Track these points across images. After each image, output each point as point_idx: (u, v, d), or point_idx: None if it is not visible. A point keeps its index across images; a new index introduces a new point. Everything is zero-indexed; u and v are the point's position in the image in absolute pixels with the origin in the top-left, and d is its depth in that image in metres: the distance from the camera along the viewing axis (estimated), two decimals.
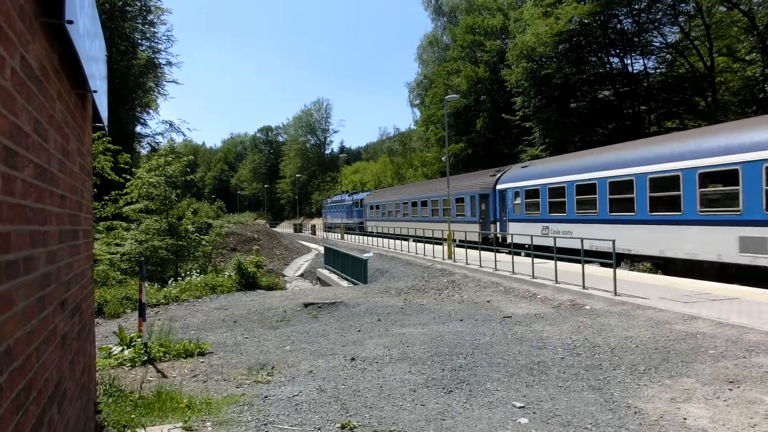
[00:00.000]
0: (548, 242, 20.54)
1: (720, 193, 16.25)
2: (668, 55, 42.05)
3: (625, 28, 41.82)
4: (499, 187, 30.31)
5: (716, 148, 16.46)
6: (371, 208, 56.18)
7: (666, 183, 18.08)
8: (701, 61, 37.79)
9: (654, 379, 7.57)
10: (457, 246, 27.89)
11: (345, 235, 53.39)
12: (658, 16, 40.25)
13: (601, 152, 24.02)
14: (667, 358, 8.58)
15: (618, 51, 43.25)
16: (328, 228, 72.89)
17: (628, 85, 42.55)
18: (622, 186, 20.23)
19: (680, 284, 15.57)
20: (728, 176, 15.74)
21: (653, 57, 43.04)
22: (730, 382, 7.27)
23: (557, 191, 24.40)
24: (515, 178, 28.82)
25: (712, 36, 36.69)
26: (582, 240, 16.77)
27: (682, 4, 38.20)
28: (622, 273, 17.36)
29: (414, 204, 43.59)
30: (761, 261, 14.63)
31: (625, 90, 42.86)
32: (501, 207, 30.12)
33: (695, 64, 38.49)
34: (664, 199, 18.16)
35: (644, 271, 17.07)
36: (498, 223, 30.26)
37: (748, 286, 14.62)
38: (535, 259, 18.41)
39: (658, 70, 42.94)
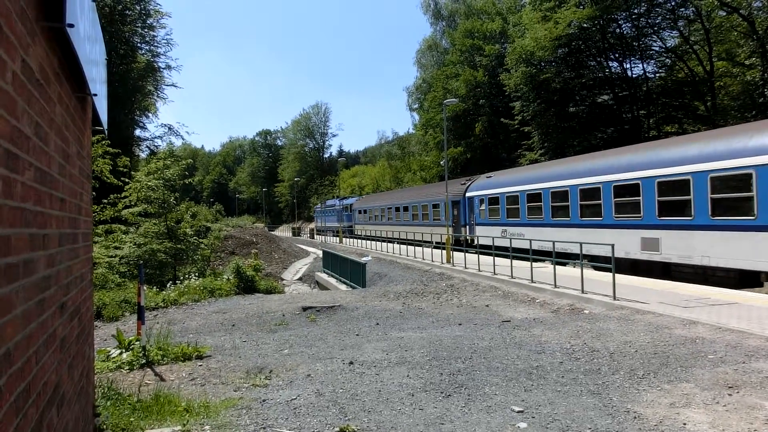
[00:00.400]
0: (506, 243, 23.49)
1: (629, 202, 19.63)
2: (668, 60, 42.06)
3: (625, 32, 41.83)
4: (468, 194, 34.06)
5: (626, 165, 20.12)
6: (359, 212, 59.93)
7: (592, 193, 22.00)
8: (701, 65, 37.79)
9: (653, 384, 7.55)
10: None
11: (343, 240, 53.48)
12: (657, 21, 40.28)
13: (546, 166, 28.49)
14: (666, 362, 8.56)
15: (617, 55, 43.31)
16: (320, 231, 76.14)
17: (627, 90, 42.54)
18: (560, 195, 24.09)
19: (680, 289, 15.57)
20: (634, 188, 19.40)
21: (652, 61, 43.09)
22: (730, 387, 7.25)
23: (513, 199, 28.17)
24: (481, 187, 32.64)
25: (712, 40, 36.70)
26: (530, 241, 20.32)
27: (682, 9, 38.23)
28: (621, 277, 17.38)
29: (397, 209, 47.08)
30: (655, 257, 18.53)
31: (624, 94, 42.84)
32: (469, 212, 34.05)
33: (695, 68, 38.49)
34: (590, 206, 22.09)
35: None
36: (467, 227, 34.00)
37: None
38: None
39: (658, 75, 42.95)
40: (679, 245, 17.48)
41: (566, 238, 21.36)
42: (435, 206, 38.87)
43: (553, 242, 18.35)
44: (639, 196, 18.93)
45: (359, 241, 48.86)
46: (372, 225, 52.56)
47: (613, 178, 20.56)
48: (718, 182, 16.09)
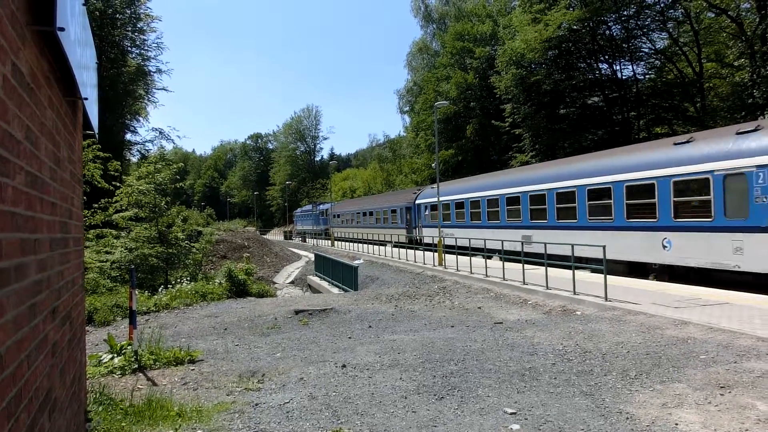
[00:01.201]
0: (448, 241, 29.16)
1: (601, 204, 21.02)
2: (657, 61, 42.23)
3: (614, 34, 42.02)
4: (417, 202, 41.24)
5: (596, 170, 21.53)
6: (334, 216, 66.59)
7: (494, 202, 28.83)
8: (690, 66, 37.99)
9: (645, 385, 7.58)
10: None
11: (335, 243, 53.54)
12: (646, 22, 40.46)
13: (470, 180, 35.50)
14: (658, 363, 8.59)
15: (607, 57, 43.46)
16: (299, 234, 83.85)
17: (617, 91, 42.68)
18: (476, 204, 31.05)
19: (671, 289, 15.66)
20: (606, 192, 20.82)
21: (642, 63, 43.26)
22: (722, 387, 7.28)
23: (446, 206, 34.85)
24: (426, 196, 39.63)
25: (701, 42, 36.91)
26: (456, 237, 27.57)
27: (671, 11, 38.43)
28: (612, 279, 17.44)
29: (364, 214, 53.78)
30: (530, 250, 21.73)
31: (614, 96, 42.97)
32: (418, 217, 41.02)
33: (684, 69, 38.68)
34: (493, 212, 29.05)
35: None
36: (417, 229, 40.78)
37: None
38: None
39: (647, 76, 43.10)
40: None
41: (480, 236, 27.35)
42: (393, 211, 46.10)
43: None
44: (611, 199, 20.59)
45: (351, 244, 49.08)
46: (344, 228, 59.69)
47: (505, 192, 27.79)
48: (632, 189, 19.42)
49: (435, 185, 35.92)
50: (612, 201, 20.16)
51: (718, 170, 16.02)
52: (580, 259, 18.20)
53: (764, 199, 14.71)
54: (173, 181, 28.73)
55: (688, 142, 17.82)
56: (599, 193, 20.92)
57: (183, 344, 11.52)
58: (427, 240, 35.11)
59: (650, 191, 18.46)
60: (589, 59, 44.20)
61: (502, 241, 21.67)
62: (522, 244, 19.98)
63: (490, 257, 24.24)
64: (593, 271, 18.27)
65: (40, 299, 3.34)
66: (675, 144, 18.38)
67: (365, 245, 42.39)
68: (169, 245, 26.26)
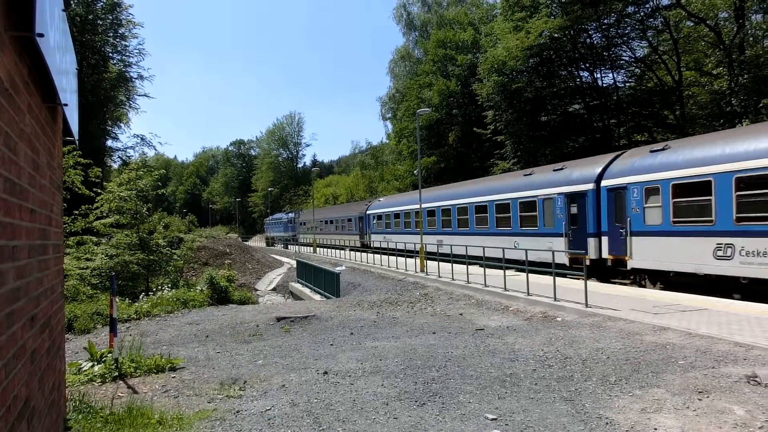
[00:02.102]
0: (389, 245, 37.17)
1: (482, 217, 29.19)
2: (637, 69, 42.52)
3: (595, 42, 42.27)
4: (367, 212, 48.76)
5: (526, 186, 26.18)
6: (301, 224, 73.96)
7: (415, 214, 37.16)
8: (669, 75, 38.29)
9: (625, 390, 7.65)
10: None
11: (317, 249, 53.50)
12: (626, 31, 40.75)
13: (404, 195, 45.33)
14: (637, 369, 8.68)
15: (588, 65, 43.75)
16: (269, 240, 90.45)
17: (597, 99, 42.96)
18: (405, 214, 40.05)
19: (651, 296, 15.83)
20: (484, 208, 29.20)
21: (622, 71, 43.54)
22: (700, 392, 7.38)
23: (387, 216, 43.62)
24: (374, 208, 47.62)
25: (680, 50, 37.25)
26: (396, 242, 36.94)
27: (651, 19, 38.77)
28: (593, 285, 17.61)
29: (326, 222, 61.05)
30: (441, 249, 28.10)
31: (595, 103, 43.23)
32: (367, 225, 48.88)
33: (663, 78, 39.00)
34: (415, 222, 37.27)
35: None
36: (367, 235, 48.12)
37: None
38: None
39: (628, 84, 43.38)
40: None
41: (410, 240, 35.85)
42: (349, 220, 54.31)
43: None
44: (435, 216, 34.51)
45: (333, 251, 49.34)
46: (309, 234, 65.70)
47: (424, 206, 34.08)
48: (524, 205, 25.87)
49: (383, 198, 45.83)
50: (488, 215, 28.59)
51: (540, 196, 24.49)
52: (472, 257, 23.47)
53: (560, 216, 23.01)
54: (155, 187, 28.53)
55: (530, 174, 26.58)
56: (482, 209, 29.33)
57: (164, 352, 11.45)
58: (375, 244, 41.62)
59: (508, 209, 26.81)
60: (570, 67, 44.49)
61: (426, 244, 29.54)
62: (437, 246, 28.68)
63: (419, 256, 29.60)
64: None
65: (18, 307, 3.32)
66: (524, 175, 27.00)
67: (345, 252, 45.97)
68: (150, 252, 26.07)
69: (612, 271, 20.68)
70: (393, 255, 33.36)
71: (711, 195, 15.93)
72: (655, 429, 6.21)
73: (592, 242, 21.18)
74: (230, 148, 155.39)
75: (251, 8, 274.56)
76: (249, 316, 17.34)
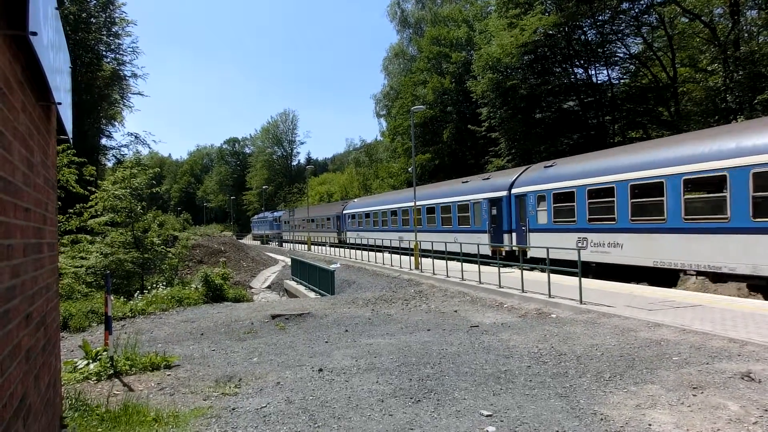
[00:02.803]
0: (362, 241, 40.74)
1: (431, 216, 35.25)
2: (632, 66, 42.61)
3: (590, 39, 42.33)
4: (344, 212, 54.30)
5: (463, 191, 31.51)
6: (285, 222, 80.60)
7: (390, 213, 42.35)
8: (664, 71, 38.33)
9: (619, 386, 7.67)
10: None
11: (311, 247, 53.49)
12: (621, 28, 40.82)
13: (384, 196, 50.51)
14: (632, 365, 8.70)
15: (582, 62, 43.76)
16: (255, 238, 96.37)
17: (592, 96, 42.98)
18: (381, 213, 44.16)
19: (645, 292, 15.87)
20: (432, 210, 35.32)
21: (617, 68, 43.66)
22: (694, 388, 7.40)
23: (361, 215, 49.17)
24: (349, 208, 52.96)
25: (675, 47, 37.33)
26: (367, 238, 39.18)
27: (645, 16, 38.81)
28: (588, 282, 17.66)
29: (308, 220, 65.96)
30: (403, 244, 33.09)
31: (589, 100, 43.26)
32: (344, 223, 54.82)
33: (658, 74, 39.04)
34: (389, 220, 42.46)
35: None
36: (344, 232, 53.41)
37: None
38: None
39: (622, 81, 43.48)
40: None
41: (378, 236, 38.74)
42: (328, 219, 60.84)
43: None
44: (396, 216, 40.79)
45: (328, 248, 49.26)
46: (294, 232, 72.62)
47: (387, 208, 42.80)
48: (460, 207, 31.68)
49: (359, 199, 52.10)
50: (435, 215, 34.27)
51: (471, 200, 29.88)
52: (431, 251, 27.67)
53: (484, 216, 28.11)
54: (149, 185, 28.44)
55: (467, 182, 32.01)
56: (431, 210, 34.98)
57: (159, 350, 11.45)
58: (350, 240, 47.30)
59: (449, 210, 32.37)
60: (565, 64, 44.48)
61: (391, 240, 35.82)
62: (399, 241, 34.64)
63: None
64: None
65: (13, 305, 3.33)
66: (462, 182, 32.54)
67: (338, 249, 47.99)
68: (144, 250, 26.04)
69: (516, 258, 24.33)
70: (365, 250, 37.12)
71: (574, 202, 21.43)
72: (650, 425, 6.22)
73: (506, 237, 26.51)
74: (224, 146, 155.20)
75: (245, 6, 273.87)
76: (244, 313, 17.34)
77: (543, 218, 23.37)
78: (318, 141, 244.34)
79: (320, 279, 27.54)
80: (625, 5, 38.76)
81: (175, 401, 7.86)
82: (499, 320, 13.69)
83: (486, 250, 26.14)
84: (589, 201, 20.63)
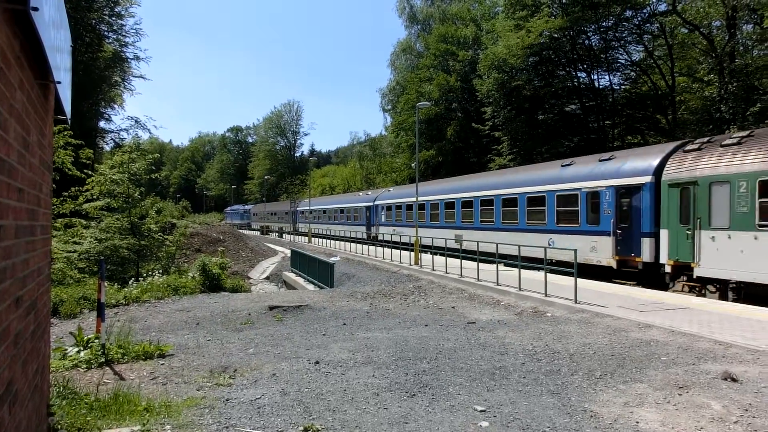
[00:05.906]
0: (400, 238, 35.86)
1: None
2: (632, 73, 43.12)
3: (593, 44, 42.73)
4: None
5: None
6: (254, 214, 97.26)
7: (342, 210, 55.25)
8: (663, 79, 38.78)
9: (609, 385, 7.83)
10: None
11: (312, 239, 53.49)
12: (624, 35, 41.31)
13: (338, 197, 64.52)
14: (622, 364, 8.89)
15: (585, 66, 44.04)
16: (263, 228, 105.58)
17: (593, 100, 43.27)
18: (334, 211, 56.17)
19: (637, 293, 16.19)
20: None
21: (618, 73, 44.18)
22: (680, 387, 7.60)
23: (310, 212, 60.79)
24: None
25: (674, 56, 37.79)
26: (316, 229, 56.76)
27: (647, 24, 39.25)
28: (583, 282, 17.74)
29: (272, 214, 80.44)
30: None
31: (590, 104, 43.59)
32: (298, 217, 68.25)
33: (657, 82, 39.49)
34: (340, 216, 54.96)
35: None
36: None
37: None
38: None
39: (623, 87, 43.87)
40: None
41: (339, 230, 47.49)
42: (286, 213, 74.80)
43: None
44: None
45: (328, 241, 49.33)
46: (261, 223, 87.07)
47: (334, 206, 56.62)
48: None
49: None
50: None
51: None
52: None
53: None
54: (148, 171, 28.13)
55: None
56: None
57: (153, 338, 11.39)
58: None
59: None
60: (568, 67, 44.68)
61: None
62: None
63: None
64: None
65: (3, 288, 3.23)
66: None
67: (343, 243, 45.42)
68: (141, 237, 25.83)
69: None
70: (316, 237, 46.34)
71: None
72: (637, 422, 6.36)
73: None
74: (227, 134, 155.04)
75: None
76: (241, 304, 17.29)
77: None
78: (322, 133, 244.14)
79: (320, 272, 27.46)
80: (628, 13, 39.12)
81: (168, 391, 7.79)
82: (496, 317, 13.72)
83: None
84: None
